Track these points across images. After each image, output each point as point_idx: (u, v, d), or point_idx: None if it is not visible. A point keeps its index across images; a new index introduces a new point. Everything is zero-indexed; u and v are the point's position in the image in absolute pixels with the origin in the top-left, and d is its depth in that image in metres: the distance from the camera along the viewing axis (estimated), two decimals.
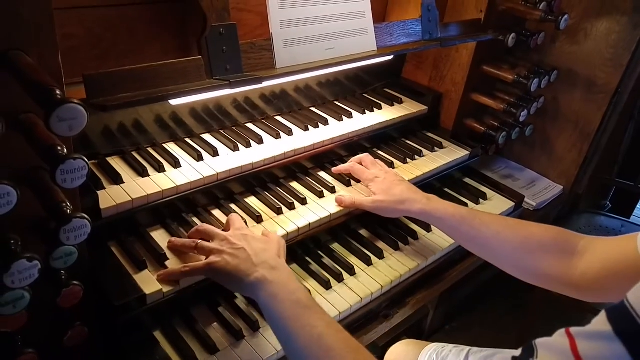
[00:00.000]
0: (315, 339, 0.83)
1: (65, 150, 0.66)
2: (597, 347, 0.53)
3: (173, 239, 1.08)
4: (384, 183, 1.30)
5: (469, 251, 1.22)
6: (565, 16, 1.57)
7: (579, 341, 0.54)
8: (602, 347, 0.52)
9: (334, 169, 1.42)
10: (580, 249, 0.99)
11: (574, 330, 0.56)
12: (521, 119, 1.70)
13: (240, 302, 1.12)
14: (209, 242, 1.04)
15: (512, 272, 1.11)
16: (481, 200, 1.62)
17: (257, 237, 1.05)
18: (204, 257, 1.02)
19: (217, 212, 1.22)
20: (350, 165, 1.40)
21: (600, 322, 0.54)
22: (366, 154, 1.45)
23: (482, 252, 1.16)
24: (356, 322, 1.19)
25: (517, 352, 0.61)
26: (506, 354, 0.62)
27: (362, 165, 1.41)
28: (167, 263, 1.04)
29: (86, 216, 0.72)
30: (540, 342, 0.59)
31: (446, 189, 1.64)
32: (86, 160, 0.66)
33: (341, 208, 1.29)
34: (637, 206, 2.84)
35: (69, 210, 0.70)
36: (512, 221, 1.15)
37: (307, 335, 0.84)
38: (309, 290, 1.16)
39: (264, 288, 0.92)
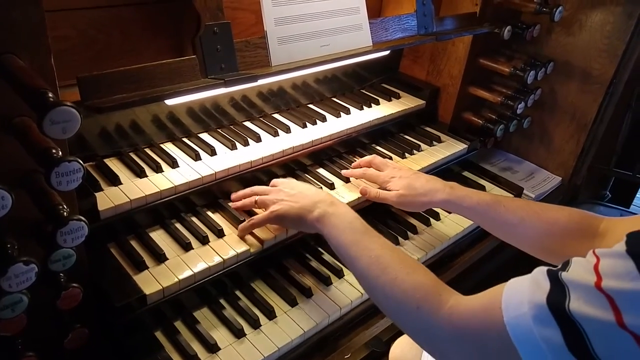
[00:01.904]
0: (374, 260, 0.94)
1: (60, 152, 0.66)
2: (612, 263, 0.62)
3: (234, 202, 1.21)
4: (402, 180, 1.30)
5: (473, 244, 1.23)
6: (560, 8, 1.56)
7: (602, 259, 0.63)
8: (616, 263, 0.61)
9: (344, 172, 1.41)
10: (601, 230, 1.02)
11: (599, 250, 0.65)
12: (518, 111, 1.70)
13: (242, 301, 1.13)
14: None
15: (537, 255, 1.13)
16: None
17: (305, 184, 1.22)
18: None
19: (216, 212, 1.22)
20: (362, 171, 1.39)
21: (619, 244, 0.63)
22: (374, 155, 1.44)
23: (507, 237, 1.18)
24: (358, 317, 1.19)
25: (554, 268, 0.68)
26: (544, 267, 0.69)
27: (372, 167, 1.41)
28: (166, 263, 1.04)
29: (83, 218, 0.72)
30: (575, 259, 0.68)
31: None
32: (81, 162, 0.66)
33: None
34: (637, 195, 2.84)
35: (65, 213, 0.70)
36: (536, 205, 1.17)
37: (366, 257, 0.96)
38: (309, 287, 1.17)
39: (326, 221, 1.05)
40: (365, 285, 0.99)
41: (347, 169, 1.43)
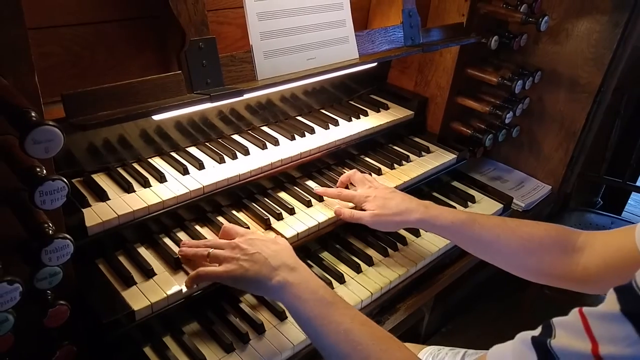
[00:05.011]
0: (342, 336, 0.86)
1: (45, 171, 0.66)
2: (608, 327, 0.55)
3: (184, 248, 1.09)
4: (377, 200, 1.28)
5: (465, 254, 1.22)
6: (545, 17, 1.58)
7: (591, 321, 0.56)
8: (612, 328, 0.54)
9: (316, 190, 1.37)
10: (579, 244, 1.00)
11: (586, 310, 0.58)
12: (507, 121, 1.71)
13: (231, 315, 1.12)
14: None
15: (515, 272, 1.12)
16: (469, 203, 1.62)
17: (266, 239, 1.08)
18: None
19: (204, 227, 1.22)
20: (338, 192, 1.35)
21: (610, 302, 0.55)
22: (354, 170, 1.43)
23: (483, 255, 1.17)
24: None
25: (536, 332, 0.62)
26: (526, 335, 0.63)
27: (349, 184, 1.40)
28: (154, 278, 1.04)
29: (68, 236, 0.71)
30: (557, 321, 0.61)
31: (434, 194, 1.64)
32: (65, 180, 0.66)
33: (328, 217, 1.29)
34: (629, 202, 2.86)
35: (50, 231, 0.70)
36: (512, 222, 1.15)
37: (334, 332, 0.87)
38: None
39: (287, 291, 0.95)
40: None
41: (336, 181, 1.42)
